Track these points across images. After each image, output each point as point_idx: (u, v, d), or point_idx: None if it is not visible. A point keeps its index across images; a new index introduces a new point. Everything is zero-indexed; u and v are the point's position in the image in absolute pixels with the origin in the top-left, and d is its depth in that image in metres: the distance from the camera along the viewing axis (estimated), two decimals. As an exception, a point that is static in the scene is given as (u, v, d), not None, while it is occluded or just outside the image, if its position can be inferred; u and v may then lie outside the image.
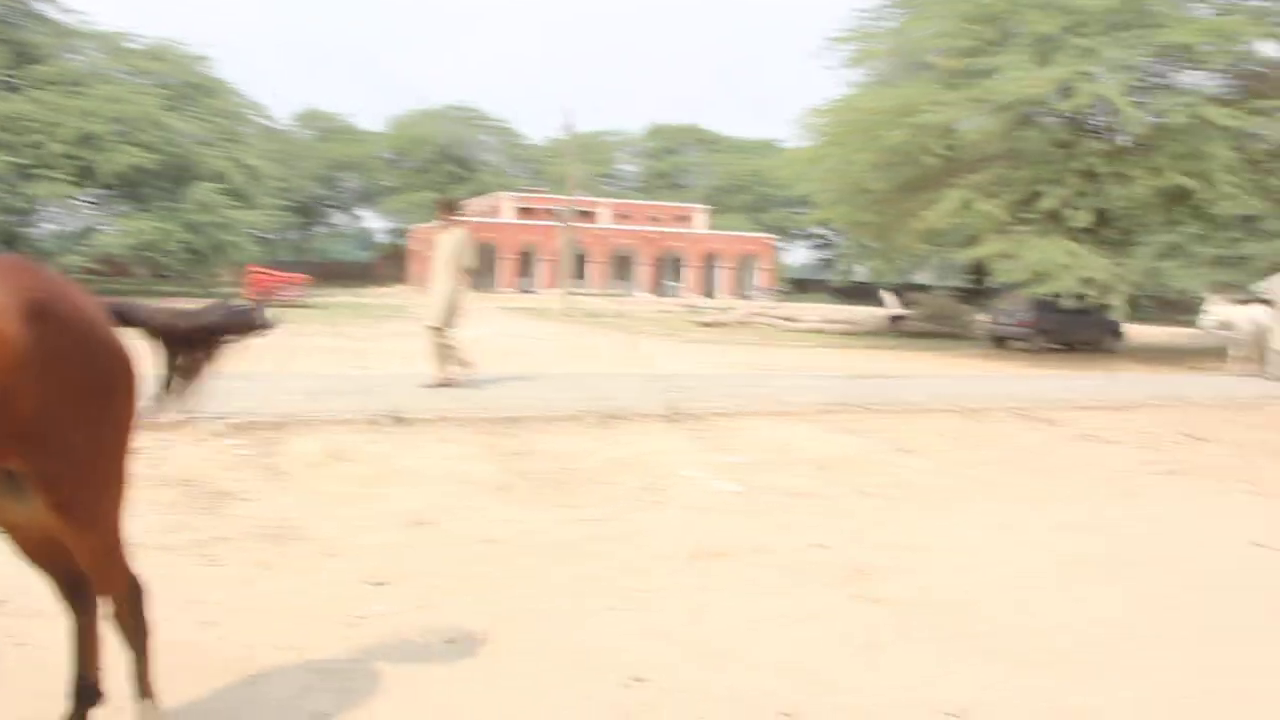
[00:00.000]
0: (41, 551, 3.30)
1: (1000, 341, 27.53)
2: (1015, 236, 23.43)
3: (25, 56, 41.78)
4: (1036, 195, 23.63)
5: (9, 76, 40.34)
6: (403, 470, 7.72)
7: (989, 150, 25.14)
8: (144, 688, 3.42)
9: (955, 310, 34.63)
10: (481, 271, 57.24)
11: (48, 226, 45.65)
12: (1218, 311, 21.40)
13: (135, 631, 3.34)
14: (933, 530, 7.14)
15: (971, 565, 6.26)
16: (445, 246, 11.73)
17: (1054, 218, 23.28)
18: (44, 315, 2.82)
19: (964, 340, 29.95)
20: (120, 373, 3.12)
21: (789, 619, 5.16)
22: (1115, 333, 28.23)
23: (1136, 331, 31.51)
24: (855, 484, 8.33)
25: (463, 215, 12.31)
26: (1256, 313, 20.60)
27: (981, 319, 31.42)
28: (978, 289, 45.50)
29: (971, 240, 26.14)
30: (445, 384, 11.31)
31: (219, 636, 4.55)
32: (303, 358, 15.29)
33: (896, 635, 4.99)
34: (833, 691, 4.28)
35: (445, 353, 11.59)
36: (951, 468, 9.22)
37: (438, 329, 11.57)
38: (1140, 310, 31.61)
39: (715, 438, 9.46)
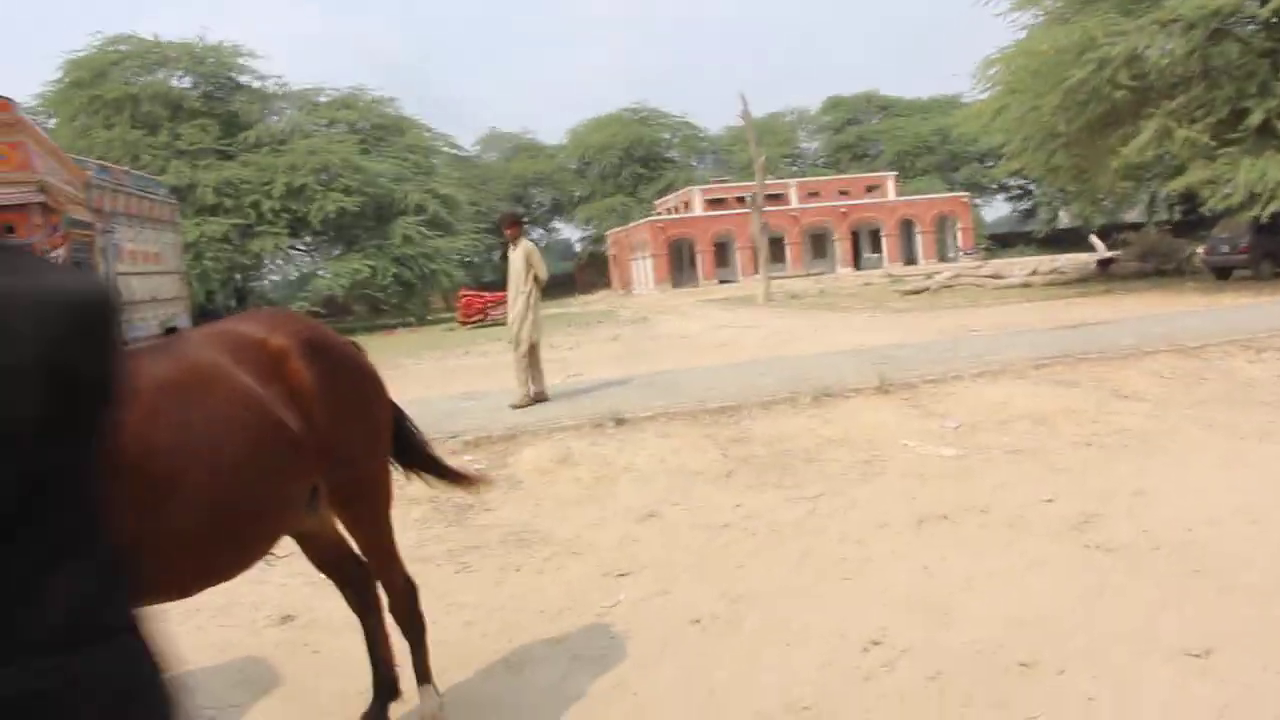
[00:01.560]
0: (331, 558, 3.84)
1: (1222, 273, 25.91)
2: (1223, 159, 22.28)
3: (234, 125, 44.99)
4: (1242, 112, 22.36)
5: (223, 146, 43.34)
6: (629, 468, 8.06)
7: (1181, 73, 23.87)
8: (423, 674, 3.94)
9: (1169, 246, 32.94)
10: (682, 267, 58.36)
11: (272, 278, 48.91)
12: None
13: (411, 624, 3.88)
14: (1156, 474, 7.00)
15: (1198, 505, 6.13)
16: (515, 263, 11.28)
17: (1265, 132, 21.98)
18: (317, 350, 3.34)
19: (1182, 276, 28.54)
20: (376, 387, 3.68)
21: (1016, 572, 5.22)
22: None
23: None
24: (1072, 436, 8.23)
25: (525, 228, 11.91)
26: None
27: (1198, 251, 29.76)
28: (1191, 220, 43.26)
29: (1177, 170, 24.94)
30: (539, 399, 10.97)
31: (481, 634, 4.98)
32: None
33: (1126, 579, 4.99)
34: (1068, 638, 4.34)
35: (531, 369, 11.19)
36: (1170, 409, 8.96)
37: (521, 346, 11.18)
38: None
39: (928, 404, 9.47)
